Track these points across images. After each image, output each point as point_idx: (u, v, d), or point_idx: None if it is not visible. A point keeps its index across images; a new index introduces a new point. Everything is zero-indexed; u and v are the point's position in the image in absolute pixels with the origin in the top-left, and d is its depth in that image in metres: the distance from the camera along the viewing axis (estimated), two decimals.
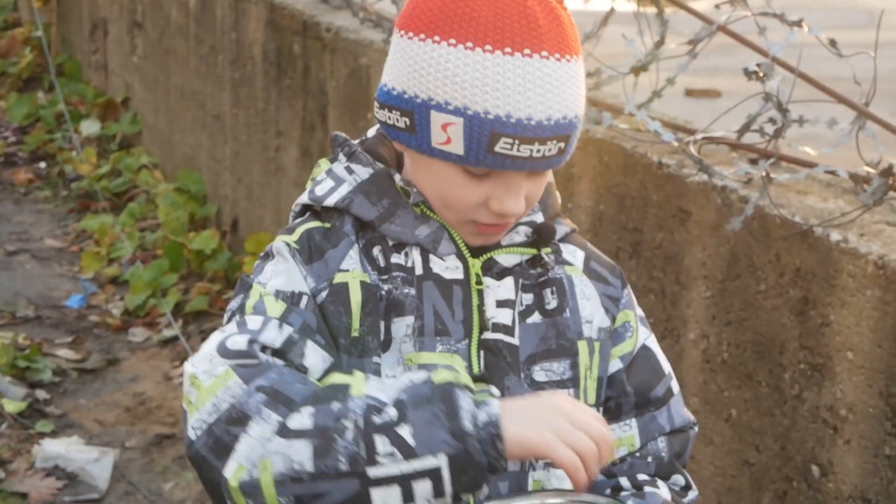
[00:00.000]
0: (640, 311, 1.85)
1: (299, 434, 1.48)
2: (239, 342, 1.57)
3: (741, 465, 2.90)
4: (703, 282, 2.95)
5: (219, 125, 6.21)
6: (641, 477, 1.77)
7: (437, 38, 1.59)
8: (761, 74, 2.58)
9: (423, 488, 1.47)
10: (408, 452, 1.46)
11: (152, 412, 4.81)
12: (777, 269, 2.73)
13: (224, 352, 1.57)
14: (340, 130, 5.05)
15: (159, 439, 4.60)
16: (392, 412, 1.48)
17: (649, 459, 1.79)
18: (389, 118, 1.65)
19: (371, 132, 1.80)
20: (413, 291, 1.65)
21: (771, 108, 2.82)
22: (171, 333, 5.39)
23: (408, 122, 1.61)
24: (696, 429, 1.87)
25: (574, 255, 1.80)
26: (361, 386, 1.52)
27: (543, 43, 1.58)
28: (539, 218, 1.75)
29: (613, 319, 1.79)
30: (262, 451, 1.48)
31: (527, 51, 1.57)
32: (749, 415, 2.86)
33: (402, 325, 1.64)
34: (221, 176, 6.22)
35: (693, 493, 1.82)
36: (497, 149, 1.57)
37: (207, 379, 1.54)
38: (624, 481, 1.76)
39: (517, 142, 1.57)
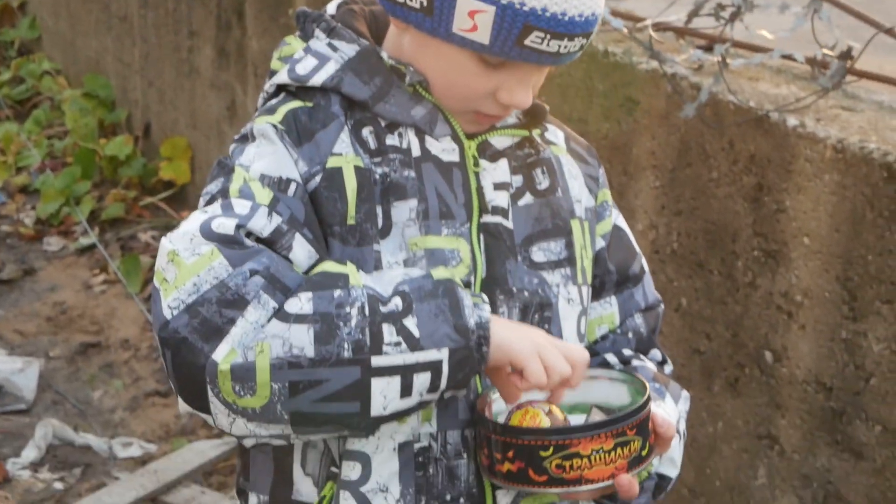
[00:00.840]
0: (609, 191, 1.83)
1: (299, 318, 1.42)
2: (226, 225, 1.48)
3: (691, 354, 2.91)
4: (652, 171, 2.93)
5: (126, 27, 6.02)
6: (626, 352, 1.77)
7: None
8: None
9: (421, 381, 1.45)
10: (413, 344, 1.44)
11: (74, 321, 4.70)
12: (730, 157, 2.71)
13: (208, 233, 1.48)
14: (259, 28, 4.92)
15: (84, 348, 4.51)
16: (398, 302, 1.45)
17: (630, 335, 1.79)
18: None
19: (330, 7, 1.70)
20: (413, 174, 1.58)
21: None
22: (87, 241, 5.26)
23: (425, 3, 1.53)
24: (663, 306, 1.86)
25: (556, 135, 1.76)
26: (358, 276, 1.47)
27: None
28: None
29: (595, 198, 1.77)
30: (259, 335, 1.42)
31: None
32: (700, 304, 2.86)
33: (405, 209, 1.57)
34: (130, 80, 6.05)
35: (669, 367, 1.83)
36: (527, 42, 1.50)
37: (190, 257, 1.45)
38: (610, 357, 1.75)
39: (548, 37, 1.50)
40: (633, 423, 1.47)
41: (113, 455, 3.87)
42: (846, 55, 2.51)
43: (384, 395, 1.44)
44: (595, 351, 1.76)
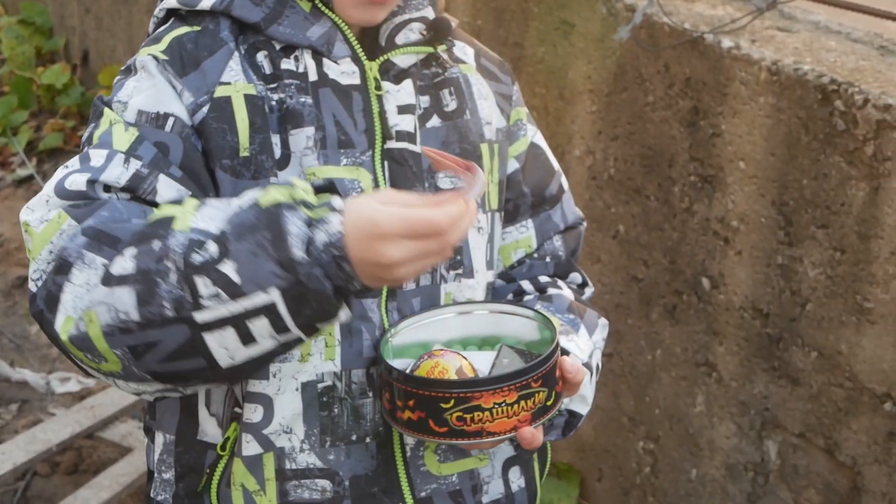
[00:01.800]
0: (526, 108, 1.76)
1: (121, 280, 1.32)
2: (78, 182, 1.41)
3: (629, 282, 2.87)
4: (589, 96, 2.87)
5: None
6: (543, 279, 1.71)
7: None
8: None
9: (260, 326, 1.31)
10: (234, 291, 1.29)
11: (11, 254, 4.62)
12: (666, 80, 2.65)
13: (62, 192, 1.41)
14: None
15: (21, 281, 4.43)
16: (213, 248, 1.30)
17: (547, 259, 1.73)
18: None
19: None
20: (310, 100, 1.50)
21: None
22: (25, 173, 5.16)
23: None
24: (585, 224, 1.81)
25: (465, 51, 1.69)
26: (189, 217, 1.34)
27: None
28: (430, 13, 1.62)
29: (508, 118, 1.70)
30: (87, 301, 1.33)
31: None
32: (637, 230, 2.81)
33: (302, 137, 1.49)
34: (67, 6, 5.92)
35: (590, 290, 1.77)
36: None
37: (39, 225, 1.39)
38: (526, 284, 1.70)
39: None
40: (537, 374, 1.42)
41: (50, 390, 3.81)
42: None
43: (224, 347, 1.32)
44: (511, 277, 1.71)
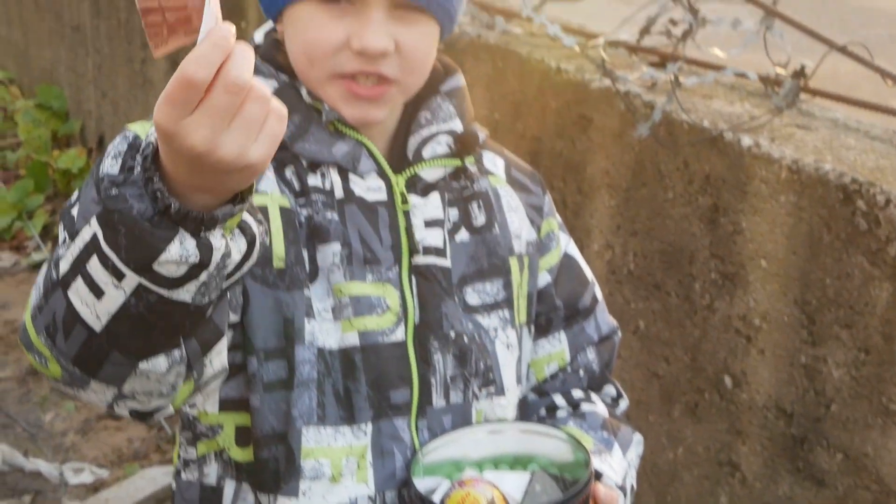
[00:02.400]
0: (559, 217, 1.75)
1: (50, 262, 1.28)
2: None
3: (650, 378, 2.84)
4: (607, 191, 2.86)
5: (79, 37, 5.92)
6: (576, 394, 1.69)
7: None
8: None
9: (95, 269, 1.20)
10: (72, 230, 1.23)
11: None
12: (685, 177, 2.65)
13: None
14: None
15: (35, 369, 4.40)
16: (74, 196, 1.29)
17: (581, 373, 1.71)
18: None
19: (257, 37, 1.63)
20: (336, 216, 1.50)
21: (671, 8, 2.73)
22: (40, 257, 5.16)
23: None
24: (620, 334, 1.79)
25: (495, 163, 1.68)
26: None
27: None
28: (458, 126, 1.61)
29: (538, 230, 1.68)
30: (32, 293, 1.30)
31: None
32: (657, 326, 2.79)
33: (329, 253, 1.49)
34: (84, 91, 5.95)
35: (624, 403, 1.75)
36: None
37: (40, 276, 1.34)
38: (558, 399, 1.68)
39: None
40: None
41: (64, 481, 3.78)
42: (800, 74, 2.45)
43: (84, 303, 1.22)
44: (544, 391, 1.70)
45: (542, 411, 1.68)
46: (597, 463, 1.52)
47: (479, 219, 1.60)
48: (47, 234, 5.35)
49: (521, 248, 1.64)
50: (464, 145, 1.60)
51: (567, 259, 1.72)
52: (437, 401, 1.53)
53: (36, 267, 5.14)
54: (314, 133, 1.52)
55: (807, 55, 2.62)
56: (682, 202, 2.66)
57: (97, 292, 1.21)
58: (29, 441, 4.02)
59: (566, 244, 1.72)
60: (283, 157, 1.52)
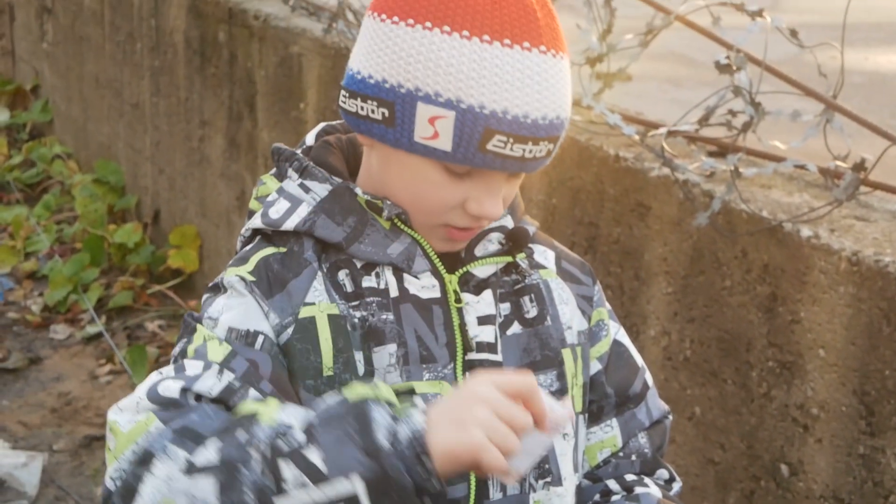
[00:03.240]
0: (608, 306, 1.78)
1: (204, 470, 1.35)
2: (171, 388, 1.45)
3: (705, 465, 2.85)
4: (665, 277, 2.89)
5: (137, 114, 6.04)
6: (629, 477, 1.71)
7: (428, 24, 1.46)
8: (733, 66, 2.51)
9: None
10: (318, 477, 1.32)
11: (79, 412, 4.66)
12: (743, 266, 2.67)
13: (154, 397, 1.44)
14: (270, 120, 4.92)
15: (88, 441, 4.45)
16: (299, 436, 1.34)
17: (633, 458, 1.72)
18: (363, 109, 1.51)
19: (309, 138, 1.67)
20: (391, 317, 1.53)
21: (730, 99, 2.77)
22: (94, 330, 5.23)
23: (386, 114, 1.48)
24: (671, 417, 1.81)
25: (545, 256, 1.71)
26: (273, 412, 1.39)
27: (542, 37, 1.48)
28: (509, 222, 1.64)
29: (589, 319, 1.71)
30: (167, 491, 1.36)
31: (526, 44, 1.47)
32: (714, 413, 2.81)
33: (385, 355, 1.52)
34: (141, 167, 6.06)
35: (678, 485, 1.77)
36: (489, 146, 1.45)
37: (127, 425, 1.42)
38: (612, 484, 1.69)
39: (511, 140, 1.45)
40: None
41: None
42: (860, 167, 2.48)
43: None
44: (597, 477, 1.71)
45: (597, 497, 1.69)
46: None
47: (531, 312, 1.63)
48: (101, 306, 5.42)
49: (573, 339, 1.67)
50: (515, 242, 1.64)
51: (617, 346, 1.74)
52: (494, 494, 1.55)
53: (90, 340, 5.20)
54: (370, 234, 1.55)
55: (867, 142, 2.65)
56: (740, 291, 2.69)
57: None
58: None
59: (616, 331, 1.75)
60: (338, 259, 1.55)
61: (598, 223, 3.06)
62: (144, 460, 1.38)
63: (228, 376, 1.46)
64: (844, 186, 2.48)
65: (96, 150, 6.60)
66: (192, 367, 1.47)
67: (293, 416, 1.37)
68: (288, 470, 1.32)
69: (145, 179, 6.00)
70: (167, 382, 1.45)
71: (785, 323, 2.59)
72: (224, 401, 1.45)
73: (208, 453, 1.36)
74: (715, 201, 2.61)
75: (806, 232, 2.53)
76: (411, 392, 1.42)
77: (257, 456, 1.33)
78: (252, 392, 1.46)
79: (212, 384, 1.45)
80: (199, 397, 1.45)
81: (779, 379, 2.62)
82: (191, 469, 1.35)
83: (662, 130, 2.83)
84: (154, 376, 1.48)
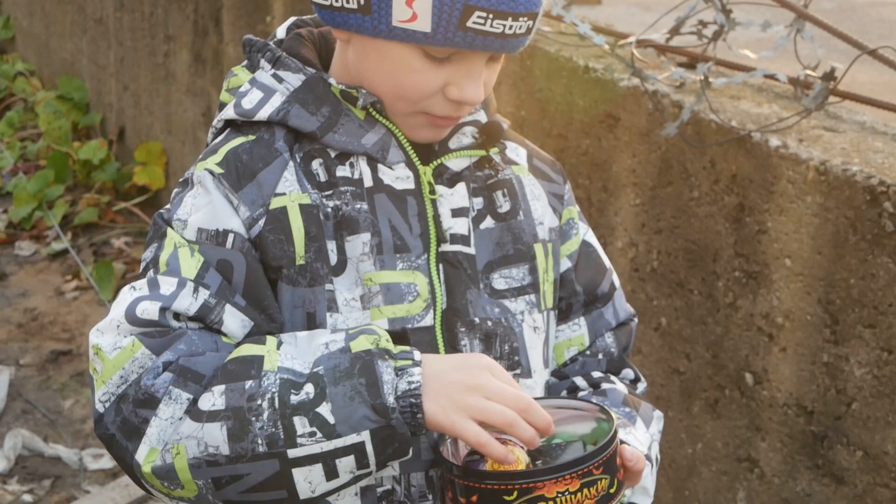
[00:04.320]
0: (578, 207, 1.79)
1: (212, 416, 1.41)
2: (150, 311, 1.46)
3: (671, 374, 2.88)
4: (633, 189, 2.90)
5: (101, 30, 5.96)
6: (596, 374, 1.72)
7: None
8: None
9: (346, 463, 1.42)
10: (329, 432, 1.40)
11: (46, 328, 4.65)
12: (711, 176, 2.68)
13: (133, 319, 1.46)
14: (237, 35, 4.87)
15: (55, 356, 4.45)
16: (310, 389, 1.41)
17: (600, 356, 1.74)
18: (337, 0, 1.50)
19: (280, 31, 1.65)
20: (365, 206, 1.53)
21: (701, 9, 2.76)
22: (60, 247, 5.21)
23: (362, 1, 1.47)
24: (637, 320, 1.83)
25: (517, 153, 1.71)
26: (275, 357, 1.44)
27: None
28: (482, 117, 1.64)
29: (560, 217, 1.72)
30: (174, 435, 1.41)
31: None
32: (679, 323, 2.83)
33: (358, 243, 1.52)
34: (105, 83, 6.00)
35: (643, 385, 1.79)
36: (469, 24, 1.44)
37: (112, 351, 1.44)
38: (579, 381, 1.71)
39: (491, 16, 1.44)
40: (598, 461, 1.44)
41: (83, 467, 3.82)
42: (829, 76, 2.49)
43: (308, 481, 1.42)
44: (564, 374, 1.73)
45: (563, 392, 1.71)
46: (621, 434, 1.55)
47: (504, 206, 1.64)
48: (66, 223, 5.39)
49: (544, 235, 1.67)
50: (488, 136, 1.64)
51: (585, 246, 1.75)
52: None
53: (56, 256, 5.18)
54: (344, 124, 1.54)
55: (834, 60, 2.65)
56: (708, 201, 2.70)
57: (331, 477, 1.43)
58: (49, 427, 4.06)
59: (584, 232, 1.76)
60: (311, 149, 1.54)
61: (566, 135, 3.06)
62: (148, 402, 1.42)
63: (203, 293, 1.48)
64: (814, 95, 2.48)
65: (60, 66, 6.53)
66: (166, 284, 1.48)
67: (293, 359, 1.43)
68: (301, 424, 1.39)
69: (109, 96, 5.94)
70: (144, 304, 1.47)
71: (752, 233, 2.61)
72: (202, 318, 1.48)
73: (214, 399, 1.41)
74: (684, 111, 2.61)
75: (774, 142, 2.54)
76: (404, 334, 1.51)
77: (268, 407, 1.40)
78: (228, 308, 1.48)
79: (188, 303, 1.47)
80: (177, 315, 1.47)
81: (745, 289, 2.64)
82: (197, 414, 1.41)
83: (632, 39, 2.83)
84: (128, 293, 1.49)
